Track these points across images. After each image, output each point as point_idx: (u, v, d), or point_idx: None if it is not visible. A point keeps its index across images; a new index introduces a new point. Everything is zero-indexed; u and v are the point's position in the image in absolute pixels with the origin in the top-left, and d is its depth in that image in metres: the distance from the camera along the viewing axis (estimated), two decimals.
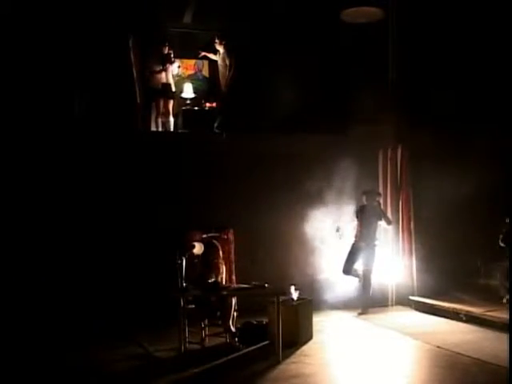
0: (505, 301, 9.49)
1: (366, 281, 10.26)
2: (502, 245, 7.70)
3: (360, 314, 10.07)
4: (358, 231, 10.32)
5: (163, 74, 11.69)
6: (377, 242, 10.33)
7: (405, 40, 10.99)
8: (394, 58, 11.16)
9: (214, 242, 8.55)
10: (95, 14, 10.48)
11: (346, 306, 10.28)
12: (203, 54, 12.28)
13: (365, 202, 10.35)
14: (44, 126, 9.80)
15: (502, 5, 10.14)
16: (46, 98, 10.00)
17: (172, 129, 11.71)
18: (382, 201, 10.72)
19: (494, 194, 10.27)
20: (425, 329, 9.15)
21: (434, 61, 11.02)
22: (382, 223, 10.41)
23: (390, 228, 10.68)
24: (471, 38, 10.70)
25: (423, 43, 11.06)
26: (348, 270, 10.22)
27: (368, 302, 10.27)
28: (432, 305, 10.34)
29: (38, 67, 9.98)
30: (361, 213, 10.35)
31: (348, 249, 10.31)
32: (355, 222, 10.38)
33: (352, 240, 10.35)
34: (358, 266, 10.30)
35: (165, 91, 11.69)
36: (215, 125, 11.49)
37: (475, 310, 9.44)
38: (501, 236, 8.29)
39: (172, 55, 11.72)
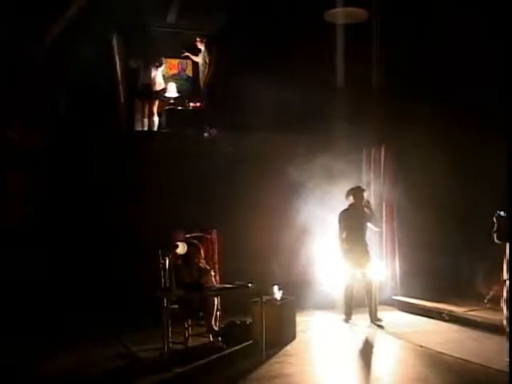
0: (486, 301, 9.53)
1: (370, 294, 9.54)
2: (497, 241, 7.58)
3: (377, 324, 9.38)
4: (344, 239, 9.49)
5: (149, 74, 11.66)
6: (369, 245, 9.76)
7: (389, 40, 11.02)
8: (378, 58, 11.19)
9: (194, 241, 8.53)
10: (79, 12, 10.42)
11: (329, 305, 10.26)
12: (186, 53, 12.28)
13: (352, 202, 9.61)
14: (26, 125, 9.73)
15: (485, 6, 10.19)
16: (28, 97, 9.93)
17: (156, 128, 11.69)
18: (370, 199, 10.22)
19: (478, 192, 10.31)
20: (408, 328, 9.17)
21: (417, 61, 11.05)
22: (370, 225, 9.70)
23: (378, 230, 10.17)
24: (454, 39, 10.73)
25: (407, 44, 11.09)
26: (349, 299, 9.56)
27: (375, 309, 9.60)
28: (415, 304, 10.37)
29: (17, 66, 9.90)
30: (347, 217, 9.54)
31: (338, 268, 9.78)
32: (340, 231, 9.57)
33: (339, 255, 9.62)
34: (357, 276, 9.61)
35: (148, 91, 11.67)
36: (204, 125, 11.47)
37: (458, 310, 9.49)
38: (495, 233, 7.93)
39: (160, 55, 11.72)
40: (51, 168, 9.98)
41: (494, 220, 7.39)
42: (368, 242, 9.73)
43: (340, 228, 9.58)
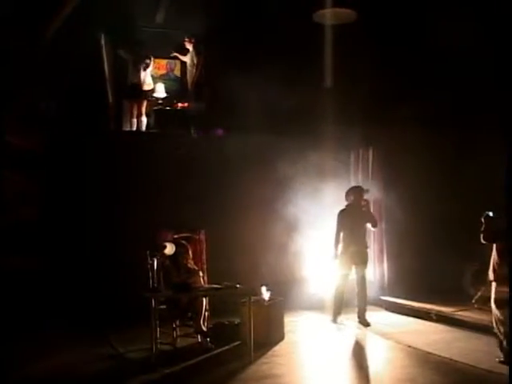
0: (474, 301, 9.56)
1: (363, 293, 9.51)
2: (483, 242, 7.52)
3: (365, 324, 9.36)
4: (344, 239, 9.37)
5: (138, 74, 11.63)
6: (368, 246, 9.78)
7: (377, 41, 11.03)
8: (366, 59, 11.20)
9: (182, 241, 8.52)
10: (69, 12, 10.39)
11: (317, 306, 10.27)
12: (175, 53, 12.27)
13: (351, 201, 9.51)
14: (19, 127, 9.69)
15: (472, 8, 10.24)
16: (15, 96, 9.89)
17: (145, 129, 11.67)
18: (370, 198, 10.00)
19: (466, 193, 10.35)
20: (396, 329, 9.19)
21: (405, 62, 11.08)
22: (368, 225, 9.64)
23: (374, 230, 10.04)
24: (443, 40, 10.77)
25: (395, 45, 11.12)
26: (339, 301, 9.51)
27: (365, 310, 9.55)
28: (403, 305, 10.40)
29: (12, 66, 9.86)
30: (346, 216, 9.43)
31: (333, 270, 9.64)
32: (337, 231, 9.44)
33: (337, 255, 9.43)
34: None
35: (136, 91, 11.64)
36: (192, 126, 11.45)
37: (446, 310, 9.52)
38: (482, 233, 7.80)
39: (148, 55, 11.70)
40: (41, 169, 9.93)
41: (482, 220, 7.33)
42: (368, 242, 9.74)
43: (338, 227, 9.46)
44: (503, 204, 7.14)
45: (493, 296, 7.18)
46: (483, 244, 9.70)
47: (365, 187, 9.88)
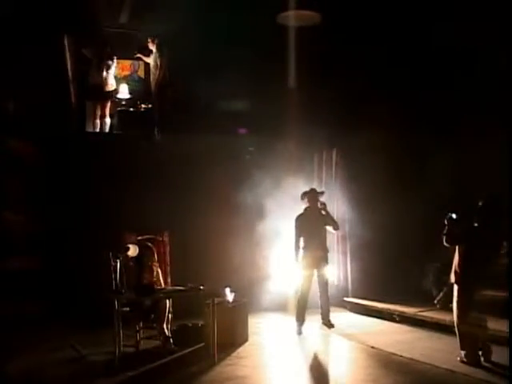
0: (436, 301, 9.65)
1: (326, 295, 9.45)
2: (446, 244, 7.43)
3: (329, 326, 9.33)
4: (304, 244, 9.22)
5: (98, 75, 11.53)
6: (328, 249, 9.56)
7: (342, 43, 11.09)
8: (331, 61, 11.25)
9: (149, 244, 8.49)
10: (29, 11, 10.26)
11: (282, 308, 10.30)
12: (138, 55, 12.19)
13: (307, 205, 9.35)
14: None
15: (443, 7, 10.34)
16: None
17: (108, 130, 11.58)
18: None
19: (430, 194, 10.44)
20: (359, 329, 9.26)
21: (370, 64, 11.15)
22: (328, 228, 9.46)
23: (335, 232, 9.83)
24: (411, 40, 10.87)
25: (361, 46, 11.18)
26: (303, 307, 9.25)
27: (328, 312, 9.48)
28: (366, 306, 10.47)
29: None
30: (303, 221, 9.28)
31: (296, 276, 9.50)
32: (296, 236, 9.27)
33: (298, 260, 9.26)
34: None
35: (99, 92, 11.55)
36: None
37: (408, 311, 9.60)
38: (445, 236, 7.70)
39: (112, 55, 11.60)
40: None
41: (445, 222, 7.30)
42: (328, 245, 9.53)
43: (296, 233, 9.29)
44: (464, 206, 7.25)
45: (456, 299, 7.20)
46: (445, 245, 9.81)
47: (319, 190, 9.71)
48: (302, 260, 9.22)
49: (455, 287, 7.24)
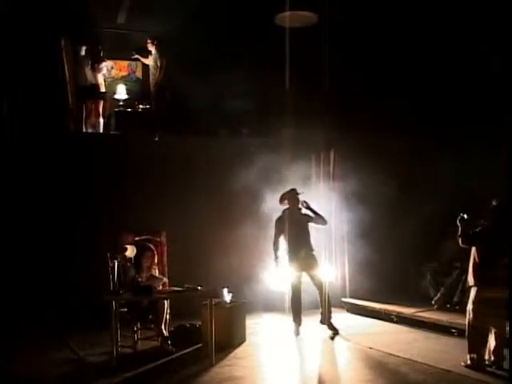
0: (433, 302, 9.66)
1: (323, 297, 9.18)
2: (462, 245, 7.20)
3: (330, 329, 9.12)
4: (288, 246, 9.12)
5: (91, 75, 11.53)
6: (315, 250, 9.34)
7: (338, 44, 11.09)
8: (327, 62, 11.25)
9: (149, 245, 8.50)
10: (27, 12, 10.26)
11: (279, 308, 10.29)
12: (136, 55, 12.18)
13: (287, 206, 9.21)
14: None
15: (434, 11, 10.35)
16: None
17: (102, 130, 11.57)
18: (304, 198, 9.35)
19: (428, 195, 10.46)
20: (357, 330, 9.25)
21: (366, 65, 11.17)
22: (316, 225, 9.32)
23: (326, 228, 9.80)
24: (405, 44, 10.89)
25: (356, 48, 11.20)
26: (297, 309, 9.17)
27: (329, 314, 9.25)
28: (364, 306, 10.46)
29: None
30: (283, 223, 9.15)
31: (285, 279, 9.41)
32: (275, 238, 9.20)
33: (278, 261, 9.19)
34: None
35: (93, 92, 11.54)
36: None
37: (406, 311, 9.59)
38: (460, 237, 7.05)
39: (101, 55, 11.58)
40: None
41: (458, 223, 7.07)
42: (313, 244, 9.29)
43: (275, 234, 9.19)
44: (464, 206, 7.19)
45: (471, 301, 6.92)
46: (441, 246, 9.80)
47: (298, 190, 9.40)
48: (288, 261, 9.12)
49: (473, 290, 6.96)
